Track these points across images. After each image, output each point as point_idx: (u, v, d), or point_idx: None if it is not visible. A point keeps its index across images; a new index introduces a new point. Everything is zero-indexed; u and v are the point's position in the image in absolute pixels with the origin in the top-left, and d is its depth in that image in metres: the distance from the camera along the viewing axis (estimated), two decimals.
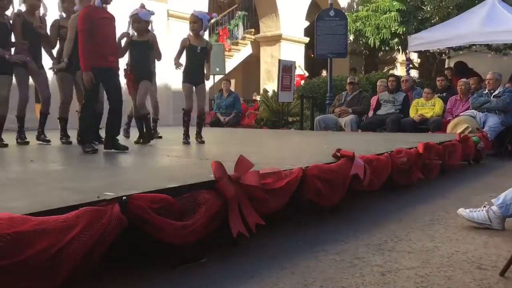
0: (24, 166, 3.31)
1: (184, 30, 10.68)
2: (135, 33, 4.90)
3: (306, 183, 2.76)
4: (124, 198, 1.83)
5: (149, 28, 4.96)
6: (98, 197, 1.83)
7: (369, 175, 3.26)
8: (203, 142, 4.94)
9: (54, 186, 2.27)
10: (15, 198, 1.91)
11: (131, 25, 4.85)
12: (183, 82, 4.94)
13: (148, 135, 4.77)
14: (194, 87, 4.94)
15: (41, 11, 4.82)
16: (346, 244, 2.45)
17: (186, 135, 4.96)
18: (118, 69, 4.06)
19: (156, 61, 5.35)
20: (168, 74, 10.05)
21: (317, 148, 4.60)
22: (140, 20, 4.76)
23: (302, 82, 12.84)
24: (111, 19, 4.06)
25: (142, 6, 5.13)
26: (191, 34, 4.92)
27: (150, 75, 5.00)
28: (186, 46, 4.86)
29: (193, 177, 2.51)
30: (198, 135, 5.02)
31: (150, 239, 1.95)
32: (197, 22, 4.83)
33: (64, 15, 4.83)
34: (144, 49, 4.85)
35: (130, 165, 3.21)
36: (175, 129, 8.31)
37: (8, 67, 4.44)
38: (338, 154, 3.25)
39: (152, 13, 4.96)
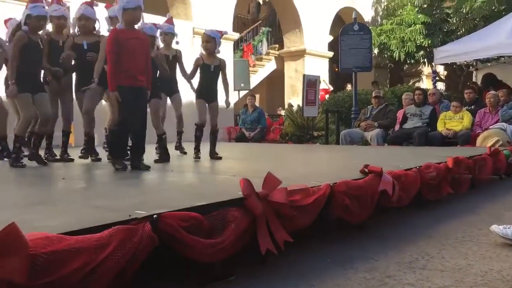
0: (57, 184, 3.38)
1: None
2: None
3: (334, 199, 2.74)
4: (154, 216, 1.86)
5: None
6: (129, 215, 1.86)
7: (398, 191, 3.22)
8: (220, 158, 4.92)
9: (86, 204, 2.32)
10: (49, 217, 1.96)
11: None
12: (197, 98, 5.00)
13: (165, 154, 4.72)
14: (207, 104, 4.98)
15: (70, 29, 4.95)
16: (376, 261, 2.41)
17: (197, 150, 4.99)
18: (148, 88, 4.12)
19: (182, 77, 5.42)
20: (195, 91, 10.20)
21: (344, 163, 4.58)
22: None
23: (327, 96, 12.82)
24: (141, 39, 4.12)
25: (169, 19, 5.23)
26: (204, 53, 4.97)
27: (155, 90, 4.85)
28: (200, 64, 4.91)
29: (221, 194, 2.53)
30: (213, 152, 5.01)
31: (179, 257, 1.96)
32: (210, 41, 4.88)
33: (77, 33, 4.82)
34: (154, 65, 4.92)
35: (159, 182, 3.25)
36: (201, 145, 8.38)
37: (33, 86, 4.33)
38: (366, 170, 3.22)
39: (154, 28, 4.99)
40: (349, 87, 13.45)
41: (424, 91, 8.35)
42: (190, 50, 10.20)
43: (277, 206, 2.36)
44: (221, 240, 2.07)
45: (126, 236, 1.72)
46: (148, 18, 8.49)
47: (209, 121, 5.06)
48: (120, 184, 3.22)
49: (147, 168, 3.89)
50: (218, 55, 5.08)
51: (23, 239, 1.41)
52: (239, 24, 14.28)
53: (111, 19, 4.74)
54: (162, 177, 3.55)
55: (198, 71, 4.98)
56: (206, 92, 4.97)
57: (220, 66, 5.01)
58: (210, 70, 4.91)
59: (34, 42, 4.22)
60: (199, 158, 4.94)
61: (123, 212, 1.95)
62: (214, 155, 4.97)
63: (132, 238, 1.74)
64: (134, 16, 3.96)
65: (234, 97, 12.10)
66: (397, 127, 8.09)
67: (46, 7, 4.43)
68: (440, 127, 7.49)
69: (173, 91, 5.72)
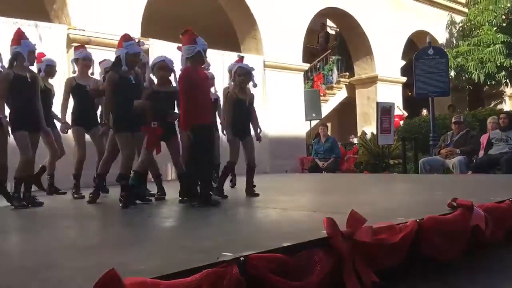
0: (142, 223, 3.51)
1: (278, 79, 11.04)
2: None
3: (422, 237, 2.62)
4: (241, 259, 1.87)
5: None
6: (218, 258, 1.88)
7: (491, 225, 3.02)
8: (257, 194, 4.71)
9: (173, 244, 2.38)
10: (145, 258, 2.04)
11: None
12: (233, 135, 4.73)
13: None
14: (240, 142, 4.78)
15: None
16: None
17: (221, 189, 4.72)
18: (213, 125, 4.25)
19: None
20: (265, 122, 10.35)
21: (427, 195, 4.37)
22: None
23: (401, 122, 12.46)
24: (207, 78, 4.28)
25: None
26: (237, 86, 4.78)
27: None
28: (235, 99, 4.73)
29: (304, 233, 2.50)
30: (250, 188, 4.80)
31: None
32: (246, 75, 4.73)
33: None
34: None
35: (238, 220, 3.28)
36: (274, 177, 8.41)
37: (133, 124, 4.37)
38: (454, 204, 3.06)
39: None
40: (424, 112, 12.99)
41: (510, 115, 7.87)
42: (261, 85, 10.43)
43: (363, 245, 2.29)
44: (307, 282, 2.03)
45: (216, 280, 1.73)
46: (218, 54, 8.82)
47: (244, 157, 4.84)
48: (200, 223, 3.29)
49: (217, 203, 3.93)
50: (249, 89, 4.93)
51: (122, 284, 1.47)
52: (308, 54, 14.37)
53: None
54: (239, 214, 3.57)
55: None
56: (241, 128, 4.78)
57: (251, 100, 4.88)
58: (245, 104, 4.77)
59: (127, 79, 4.34)
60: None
61: (210, 253, 1.98)
62: (251, 192, 4.75)
63: (221, 281, 1.75)
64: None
65: (305, 127, 12.10)
66: (481, 153, 7.65)
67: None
68: None
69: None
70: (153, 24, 9.65)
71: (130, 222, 3.63)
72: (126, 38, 4.46)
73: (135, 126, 4.26)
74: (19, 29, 4.78)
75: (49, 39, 7.30)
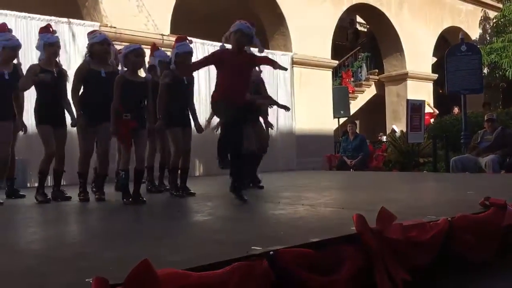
0: (173, 217, 3.57)
1: (307, 75, 10.99)
2: None
3: (453, 236, 2.58)
4: (271, 253, 1.88)
5: None
6: (247, 252, 1.89)
7: None
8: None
9: (204, 238, 2.41)
10: (175, 251, 2.07)
11: None
12: None
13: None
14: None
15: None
16: None
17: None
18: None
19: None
20: (294, 119, 10.33)
21: (458, 194, 4.29)
22: None
23: (432, 120, 12.23)
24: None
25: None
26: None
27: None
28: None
29: (332, 229, 2.50)
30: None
31: None
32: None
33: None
34: None
35: (269, 215, 3.29)
36: (301, 174, 8.39)
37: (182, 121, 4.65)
38: (487, 203, 2.99)
39: None
40: (456, 110, 12.73)
41: None
42: (289, 82, 10.41)
43: (393, 243, 2.27)
44: (337, 278, 2.03)
45: (245, 273, 1.75)
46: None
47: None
48: (232, 217, 3.32)
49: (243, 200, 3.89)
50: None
51: (155, 275, 1.50)
52: (337, 51, 14.25)
53: None
54: (271, 209, 3.58)
55: None
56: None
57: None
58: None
59: (180, 79, 4.57)
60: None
61: (240, 247, 2.00)
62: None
63: (251, 275, 1.77)
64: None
65: (333, 125, 12.02)
66: None
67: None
68: None
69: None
70: (182, 22, 9.74)
71: (160, 216, 3.70)
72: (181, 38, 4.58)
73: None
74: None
75: (81, 36, 7.46)
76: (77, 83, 4.47)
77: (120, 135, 4.17)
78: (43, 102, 4.49)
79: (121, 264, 1.75)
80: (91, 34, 4.69)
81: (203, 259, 1.82)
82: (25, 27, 6.89)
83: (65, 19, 7.34)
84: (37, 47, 4.59)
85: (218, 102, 4.19)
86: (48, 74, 4.39)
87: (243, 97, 4.23)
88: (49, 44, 4.47)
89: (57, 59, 4.63)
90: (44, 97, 4.49)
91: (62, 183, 4.78)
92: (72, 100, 4.51)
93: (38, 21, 7.02)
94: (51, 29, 4.58)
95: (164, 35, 8.49)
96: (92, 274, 1.46)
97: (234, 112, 3.97)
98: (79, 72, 4.49)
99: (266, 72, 6.21)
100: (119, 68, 4.36)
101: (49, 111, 4.45)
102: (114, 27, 7.94)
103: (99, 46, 4.44)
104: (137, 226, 3.11)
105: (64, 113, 4.63)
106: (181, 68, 4.54)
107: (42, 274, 1.80)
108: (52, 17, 7.21)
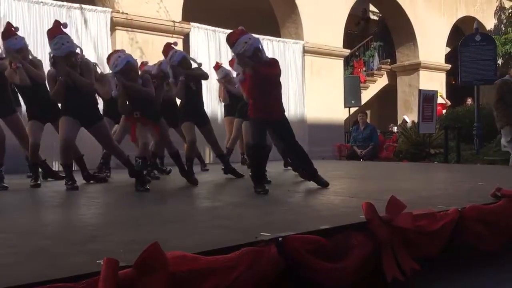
0: (183, 202, 3.59)
1: (318, 64, 10.92)
2: None
3: (463, 226, 2.56)
4: (280, 239, 1.89)
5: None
6: (256, 237, 1.90)
7: None
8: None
9: (213, 224, 2.42)
10: (184, 235, 2.09)
11: None
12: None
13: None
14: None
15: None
16: None
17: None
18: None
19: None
20: (305, 107, 10.30)
21: (469, 184, 4.26)
22: None
23: (444, 111, 12.11)
24: None
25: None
26: None
27: None
28: None
29: (342, 217, 2.50)
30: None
31: (302, 281, 1.96)
32: None
33: None
34: None
35: (279, 203, 3.30)
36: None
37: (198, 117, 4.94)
38: (498, 194, 2.97)
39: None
40: (469, 101, 12.59)
41: None
42: (300, 70, 10.36)
43: (402, 231, 2.27)
44: (345, 264, 2.03)
45: (254, 258, 1.76)
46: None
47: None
48: (241, 204, 3.33)
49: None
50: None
51: (165, 257, 1.51)
52: (349, 40, 14.11)
53: None
54: (281, 197, 3.59)
55: None
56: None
57: None
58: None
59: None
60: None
61: (249, 233, 2.01)
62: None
63: (259, 260, 1.78)
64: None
65: (344, 114, 11.96)
66: None
67: None
68: None
69: None
70: (194, 8, 9.70)
71: (169, 201, 3.72)
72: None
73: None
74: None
75: (93, 22, 7.47)
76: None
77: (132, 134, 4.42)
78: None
79: (131, 247, 1.77)
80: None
81: (212, 244, 1.83)
82: (38, 13, 6.92)
83: (77, 5, 7.36)
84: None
85: None
86: None
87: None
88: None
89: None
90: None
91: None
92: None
93: (51, 6, 7.05)
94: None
95: (175, 21, 8.47)
96: (103, 256, 1.48)
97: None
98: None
99: (277, 59, 6.16)
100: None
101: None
102: (126, 13, 7.93)
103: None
104: (147, 211, 3.14)
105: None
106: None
107: (54, 255, 1.83)
108: (65, 3, 7.24)
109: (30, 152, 4.71)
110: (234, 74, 6.11)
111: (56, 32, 4.26)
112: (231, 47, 4.02)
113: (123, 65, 4.24)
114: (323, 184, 4.00)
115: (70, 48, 4.24)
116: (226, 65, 6.67)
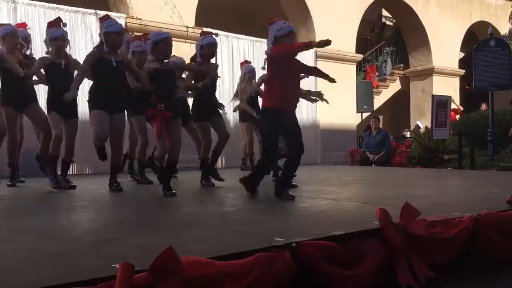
0: (196, 207, 3.60)
1: (330, 69, 10.88)
2: None
3: (479, 233, 2.54)
4: (293, 244, 1.89)
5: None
6: (270, 243, 1.91)
7: None
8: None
9: (227, 229, 2.43)
10: (198, 240, 2.10)
11: None
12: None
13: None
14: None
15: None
16: None
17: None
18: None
19: None
20: (318, 113, 10.28)
21: (484, 191, 4.22)
22: None
23: (457, 117, 12.00)
24: None
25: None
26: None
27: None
28: None
29: (355, 223, 2.49)
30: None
31: (316, 287, 1.95)
32: None
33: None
34: None
35: (292, 208, 3.30)
36: (324, 168, 8.36)
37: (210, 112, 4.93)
38: None
39: None
40: (484, 106, 12.46)
41: None
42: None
43: (417, 238, 2.25)
44: (358, 271, 2.03)
45: (268, 264, 1.76)
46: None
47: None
48: (255, 209, 3.34)
49: (292, 198, 3.63)
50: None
51: (180, 262, 1.52)
52: (362, 45, 14.08)
53: None
54: (294, 202, 3.57)
55: None
56: None
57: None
58: None
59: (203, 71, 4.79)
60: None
61: (262, 238, 2.01)
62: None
63: (273, 265, 1.78)
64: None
65: (357, 119, 11.91)
66: None
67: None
68: None
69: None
70: (207, 14, 9.76)
71: (183, 206, 3.73)
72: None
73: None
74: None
75: None
76: (85, 68, 4.40)
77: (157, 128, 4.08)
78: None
79: (146, 251, 1.78)
80: (104, 21, 4.46)
81: (226, 249, 1.84)
82: (53, 18, 7.01)
83: (92, 11, 7.44)
84: (45, 42, 4.79)
85: None
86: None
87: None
88: (54, 38, 4.68)
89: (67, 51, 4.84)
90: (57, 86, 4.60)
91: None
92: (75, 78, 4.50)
93: (66, 12, 7.14)
94: (61, 23, 4.78)
95: (189, 27, 8.53)
96: (119, 260, 1.49)
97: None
98: (90, 57, 4.40)
99: None
100: (148, 58, 4.37)
101: (61, 101, 4.34)
102: (140, 19, 8.01)
103: (116, 36, 4.36)
104: (161, 215, 3.16)
105: (76, 104, 4.68)
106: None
107: (70, 258, 1.84)
108: (80, 8, 7.32)
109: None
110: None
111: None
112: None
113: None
114: (287, 198, 3.64)
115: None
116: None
